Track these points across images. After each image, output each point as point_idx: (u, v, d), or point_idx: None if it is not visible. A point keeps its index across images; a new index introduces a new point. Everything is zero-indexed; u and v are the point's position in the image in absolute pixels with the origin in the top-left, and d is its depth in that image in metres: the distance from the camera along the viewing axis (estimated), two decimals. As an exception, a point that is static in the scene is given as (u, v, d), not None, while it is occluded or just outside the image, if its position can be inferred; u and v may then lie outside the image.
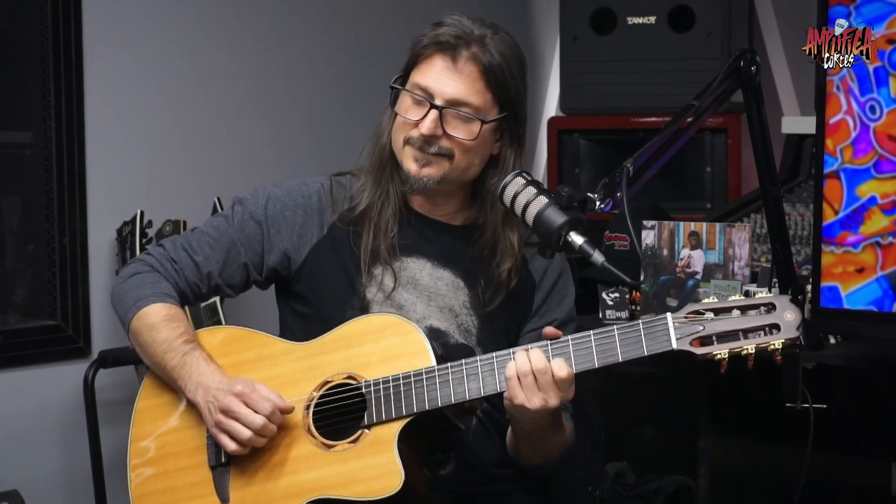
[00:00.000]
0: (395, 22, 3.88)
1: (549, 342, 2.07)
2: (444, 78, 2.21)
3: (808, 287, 2.48)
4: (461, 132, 2.22)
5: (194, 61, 3.50)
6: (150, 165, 3.41)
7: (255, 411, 2.13)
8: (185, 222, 3.24)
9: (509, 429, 2.25)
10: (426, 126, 2.20)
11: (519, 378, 2.04)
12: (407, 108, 2.24)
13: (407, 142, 2.24)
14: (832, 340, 2.72)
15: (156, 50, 3.42)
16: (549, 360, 2.03)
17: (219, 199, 3.31)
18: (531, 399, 2.03)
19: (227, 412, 2.15)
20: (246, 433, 2.13)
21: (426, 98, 2.21)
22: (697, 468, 2.98)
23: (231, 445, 2.15)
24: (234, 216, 2.33)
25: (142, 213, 3.21)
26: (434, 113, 2.20)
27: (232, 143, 3.59)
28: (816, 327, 2.49)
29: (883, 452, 2.87)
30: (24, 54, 3.20)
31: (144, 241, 3.19)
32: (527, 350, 2.06)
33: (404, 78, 2.27)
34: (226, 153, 3.58)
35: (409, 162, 2.24)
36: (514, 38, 2.27)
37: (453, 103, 2.21)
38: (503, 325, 2.31)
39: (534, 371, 2.03)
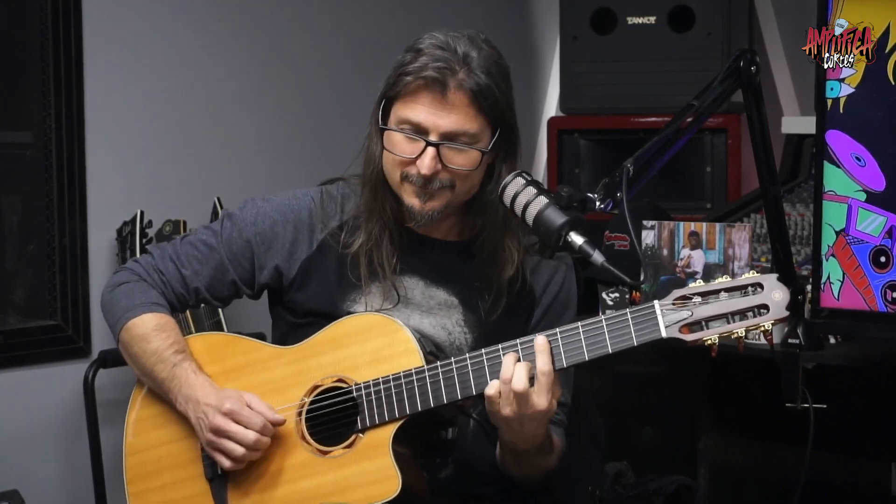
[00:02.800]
0: (390, 24, 3.88)
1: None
2: (435, 112, 2.14)
3: (809, 287, 2.48)
4: (460, 163, 2.17)
5: (194, 61, 3.50)
6: (150, 165, 3.41)
7: (247, 427, 2.13)
8: (185, 222, 3.24)
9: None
10: (426, 166, 2.14)
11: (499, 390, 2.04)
12: (397, 144, 2.17)
13: (405, 178, 2.18)
14: (832, 340, 2.71)
15: (156, 50, 3.41)
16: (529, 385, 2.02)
17: (219, 199, 3.30)
18: (503, 408, 2.04)
19: (217, 432, 2.14)
20: (239, 450, 2.13)
21: (419, 136, 2.15)
22: (697, 468, 2.98)
23: (226, 463, 2.16)
24: (222, 232, 2.31)
25: (142, 213, 3.21)
26: (431, 150, 2.14)
27: (231, 144, 3.59)
28: (816, 327, 2.48)
29: (883, 452, 2.87)
30: (24, 54, 3.20)
31: (144, 241, 3.18)
32: (515, 361, 2.04)
33: (385, 107, 2.20)
34: (225, 153, 3.57)
35: (411, 198, 2.19)
36: (493, 45, 2.21)
37: (449, 136, 2.15)
38: (498, 342, 2.27)
39: (513, 390, 2.02)
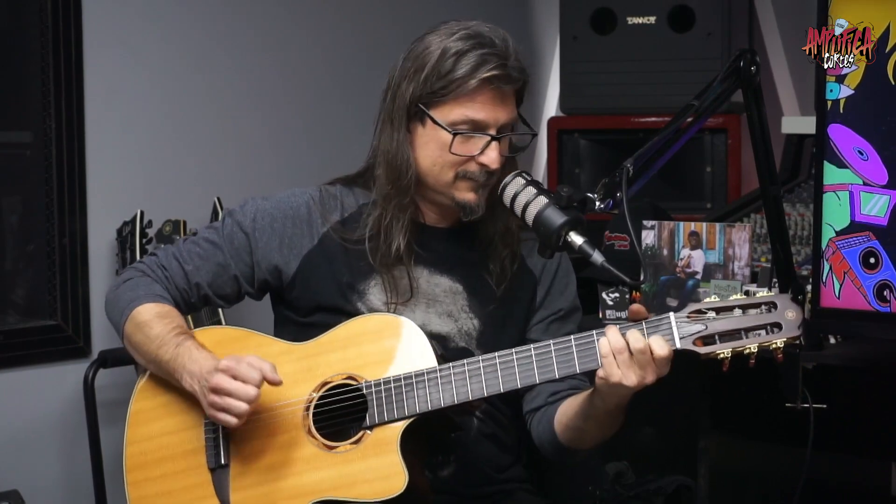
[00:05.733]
0: (395, 22, 3.88)
1: (643, 322, 2.04)
2: (495, 107, 2.19)
3: (809, 287, 2.48)
4: (509, 149, 2.23)
5: (194, 61, 3.50)
6: (150, 165, 3.42)
7: (245, 382, 2.10)
8: (185, 222, 3.24)
9: (568, 414, 2.22)
10: (496, 160, 2.19)
11: (614, 355, 2.02)
12: (455, 145, 2.19)
13: (461, 176, 2.21)
14: (832, 340, 2.71)
15: (156, 50, 3.42)
16: (646, 338, 2.01)
17: (219, 199, 3.31)
18: (627, 376, 2.01)
19: (216, 390, 2.12)
20: (241, 406, 2.10)
21: (480, 133, 2.19)
22: (697, 468, 2.98)
23: (232, 421, 2.12)
24: (224, 229, 2.33)
25: (142, 213, 3.21)
26: (496, 144, 2.19)
27: (232, 143, 3.59)
28: (816, 327, 2.48)
29: (883, 452, 2.87)
30: (24, 54, 3.20)
31: (144, 241, 3.19)
32: (618, 328, 2.03)
33: (424, 110, 2.20)
34: (226, 153, 3.58)
35: (467, 194, 2.22)
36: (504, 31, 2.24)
37: (504, 128, 2.21)
38: (504, 327, 2.31)
39: (631, 349, 2.01)
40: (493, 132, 2.19)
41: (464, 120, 2.19)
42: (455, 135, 2.18)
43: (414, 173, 2.23)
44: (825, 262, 2.42)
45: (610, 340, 2.02)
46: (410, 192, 2.24)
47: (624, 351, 2.01)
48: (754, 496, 3.25)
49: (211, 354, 2.20)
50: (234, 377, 2.11)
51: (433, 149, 2.21)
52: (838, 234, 2.40)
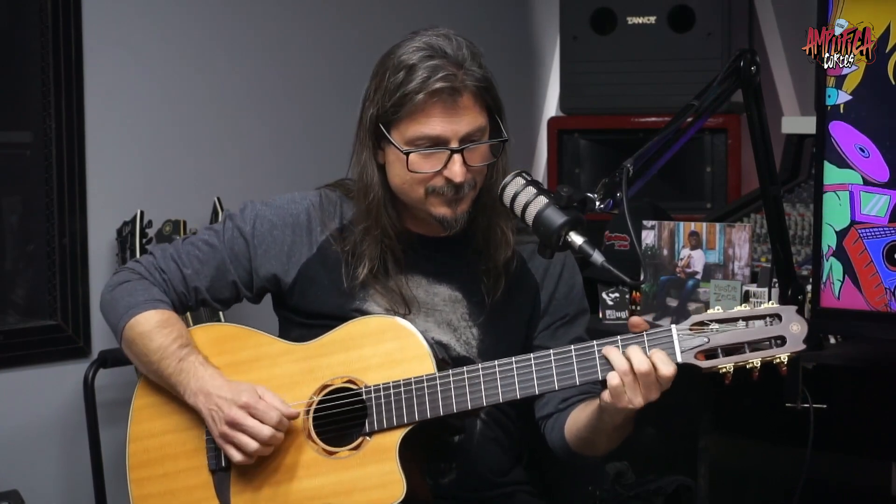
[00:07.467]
0: (396, 22, 3.88)
1: (644, 335, 2.01)
2: (450, 120, 2.14)
3: (809, 287, 2.48)
4: (480, 159, 2.19)
5: (194, 61, 3.50)
6: (150, 165, 3.42)
7: (262, 422, 2.12)
8: (185, 222, 3.24)
9: (577, 425, 2.20)
10: (459, 174, 2.15)
11: (621, 379, 1.98)
12: (416, 163, 2.16)
13: (431, 192, 2.18)
14: (832, 340, 2.71)
15: (156, 50, 3.42)
16: (649, 358, 1.97)
17: (219, 199, 3.30)
18: (634, 399, 1.99)
19: (232, 424, 2.13)
20: (253, 445, 2.12)
21: (440, 148, 2.15)
22: (697, 468, 2.98)
23: (237, 457, 2.14)
24: (224, 232, 2.31)
25: (142, 213, 3.21)
26: (458, 157, 2.15)
27: (232, 143, 3.59)
28: (816, 327, 2.48)
29: (883, 452, 2.86)
30: (24, 54, 3.20)
31: (144, 241, 3.18)
32: (618, 347, 2.00)
33: (386, 130, 2.18)
34: (226, 153, 3.58)
35: (442, 209, 2.19)
36: (466, 38, 2.20)
37: (467, 138, 2.16)
38: (505, 335, 2.29)
39: (635, 372, 1.97)
40: (454, 145, 2.15)
41: (420, 137, 2.15)
42: (408, 154, 2.16)
43: (378, 195, 2.22)
44: (831, 257, 2.40)
45: (614, 364, 1.98)
46: (381, 213, 2.22)
47: (628, 374, 1.98)
48: (754, 496, 3.25)
49: (217, 372, 2.20)
50: (253, 415, 2.12)
51: (399, 168, 2.18)
52: (859, 222, 2.37)
